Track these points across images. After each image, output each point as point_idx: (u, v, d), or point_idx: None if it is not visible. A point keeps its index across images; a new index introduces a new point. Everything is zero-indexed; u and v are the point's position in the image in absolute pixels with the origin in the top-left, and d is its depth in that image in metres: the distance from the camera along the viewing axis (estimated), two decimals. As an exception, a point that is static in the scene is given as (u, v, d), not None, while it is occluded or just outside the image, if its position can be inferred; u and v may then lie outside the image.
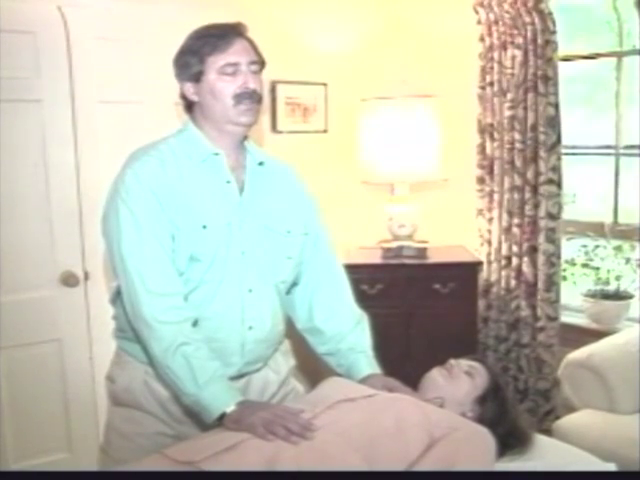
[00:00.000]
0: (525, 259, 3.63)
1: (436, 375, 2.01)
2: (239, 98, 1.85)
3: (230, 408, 1.70)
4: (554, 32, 3.41)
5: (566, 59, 3.65)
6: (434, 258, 3.59)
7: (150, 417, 1.92)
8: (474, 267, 3.58)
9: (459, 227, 3.86)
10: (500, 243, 3.74)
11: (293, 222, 2.00)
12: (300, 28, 3.64)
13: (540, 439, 2.00)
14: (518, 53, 3.51)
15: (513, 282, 3.70)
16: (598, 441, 2.64)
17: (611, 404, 2.89)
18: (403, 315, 3.47)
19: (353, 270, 3.58)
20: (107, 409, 2.04)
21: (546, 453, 1.91)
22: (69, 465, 3.00)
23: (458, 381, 1.99)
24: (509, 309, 3.74)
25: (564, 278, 3.68)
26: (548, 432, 2.87)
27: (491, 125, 3.72)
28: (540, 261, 3.57)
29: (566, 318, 3.69)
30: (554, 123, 3.47)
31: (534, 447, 1.92)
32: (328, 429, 1.61)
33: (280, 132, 3.64)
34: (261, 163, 1.97)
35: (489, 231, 3.80)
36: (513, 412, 2.01)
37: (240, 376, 1.95)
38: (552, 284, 3.57)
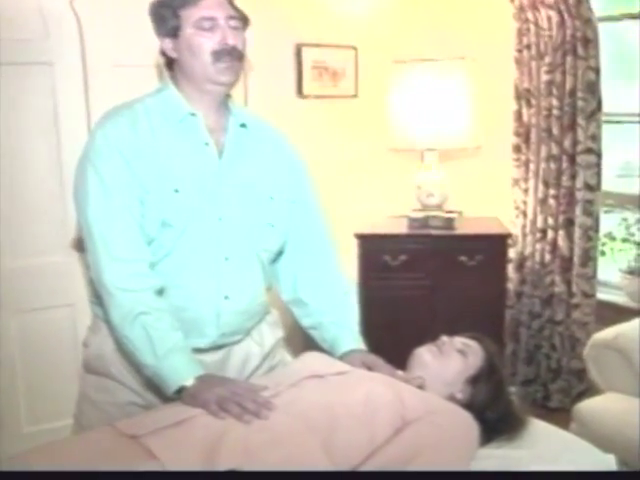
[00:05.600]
0: (561, 232, 3.45)
1: (424, 352, 1.88)
2: (218, 55, 1.75)
3: (189, 382, 1.62)
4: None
5: (606, 19, 3.40)
6: (462, 229, 3.40)
7: (121, 386, 1.85)
8: (502, 240, 3.34)
9: (493, 197, 3.67)
10: (535, 215, 3.56)
11: (277, 188, 1.90)
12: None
13: (535, 424, 1.85)
14: (552, 13, 3.29)
15: (548, 256, 3.53)
16: (619, 427, 2.48)
17: (637, 388, 2.70)
18: (426, 288, 3.28)
19: (376, 240, 3.43)
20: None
21: (538, 440, 1.76)
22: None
23: (448, 359, 1.86)
24: (543, 284, 3.57)
25: (602, 253, 3.48)
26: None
27: (528, 90, 3.52)
28: (576, 235, 3.40)
29: (603, 295, 3.51)
30: (594, 89, 3.27)
31: (526, 433, 1.78)
32: (286, 409, 1.51)
33: (306, 97, 3.52)
34: (243, 125, 1.87)
35: (524, 202, 3.62)
36: (507, 395, 1.87)
37: (218, 347, 1.88)
38: (589, 259, 3.39)
